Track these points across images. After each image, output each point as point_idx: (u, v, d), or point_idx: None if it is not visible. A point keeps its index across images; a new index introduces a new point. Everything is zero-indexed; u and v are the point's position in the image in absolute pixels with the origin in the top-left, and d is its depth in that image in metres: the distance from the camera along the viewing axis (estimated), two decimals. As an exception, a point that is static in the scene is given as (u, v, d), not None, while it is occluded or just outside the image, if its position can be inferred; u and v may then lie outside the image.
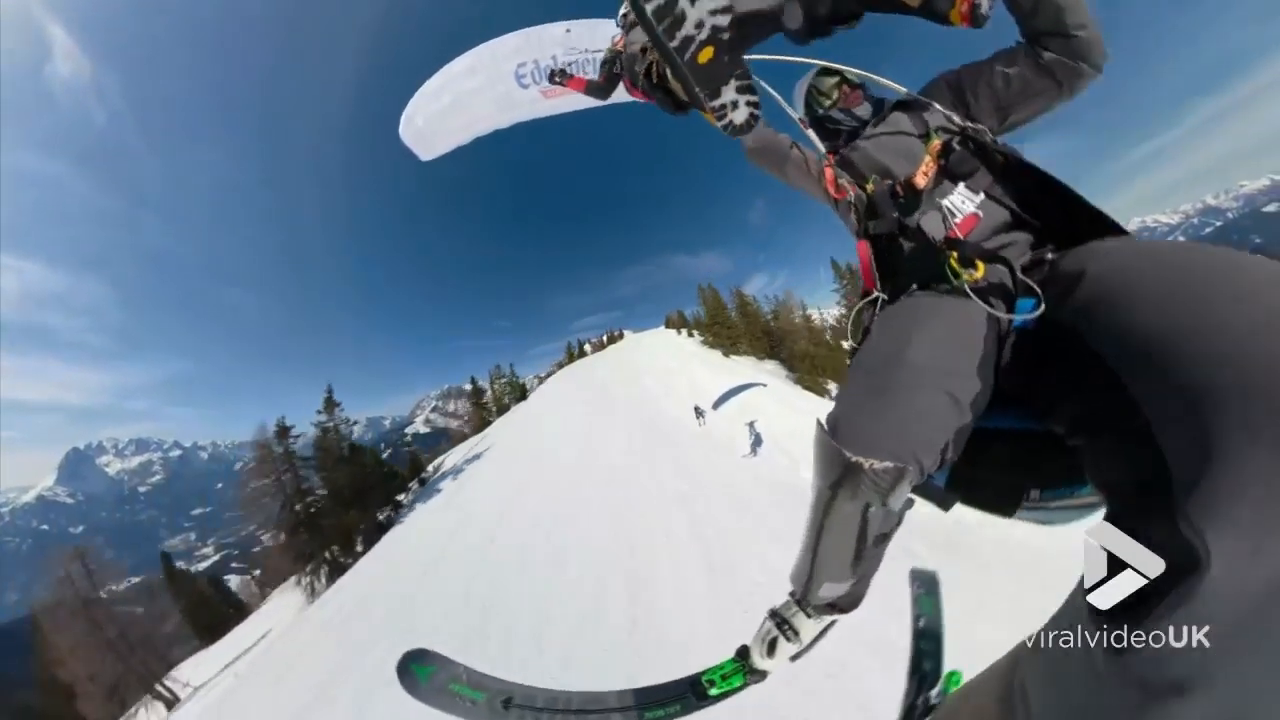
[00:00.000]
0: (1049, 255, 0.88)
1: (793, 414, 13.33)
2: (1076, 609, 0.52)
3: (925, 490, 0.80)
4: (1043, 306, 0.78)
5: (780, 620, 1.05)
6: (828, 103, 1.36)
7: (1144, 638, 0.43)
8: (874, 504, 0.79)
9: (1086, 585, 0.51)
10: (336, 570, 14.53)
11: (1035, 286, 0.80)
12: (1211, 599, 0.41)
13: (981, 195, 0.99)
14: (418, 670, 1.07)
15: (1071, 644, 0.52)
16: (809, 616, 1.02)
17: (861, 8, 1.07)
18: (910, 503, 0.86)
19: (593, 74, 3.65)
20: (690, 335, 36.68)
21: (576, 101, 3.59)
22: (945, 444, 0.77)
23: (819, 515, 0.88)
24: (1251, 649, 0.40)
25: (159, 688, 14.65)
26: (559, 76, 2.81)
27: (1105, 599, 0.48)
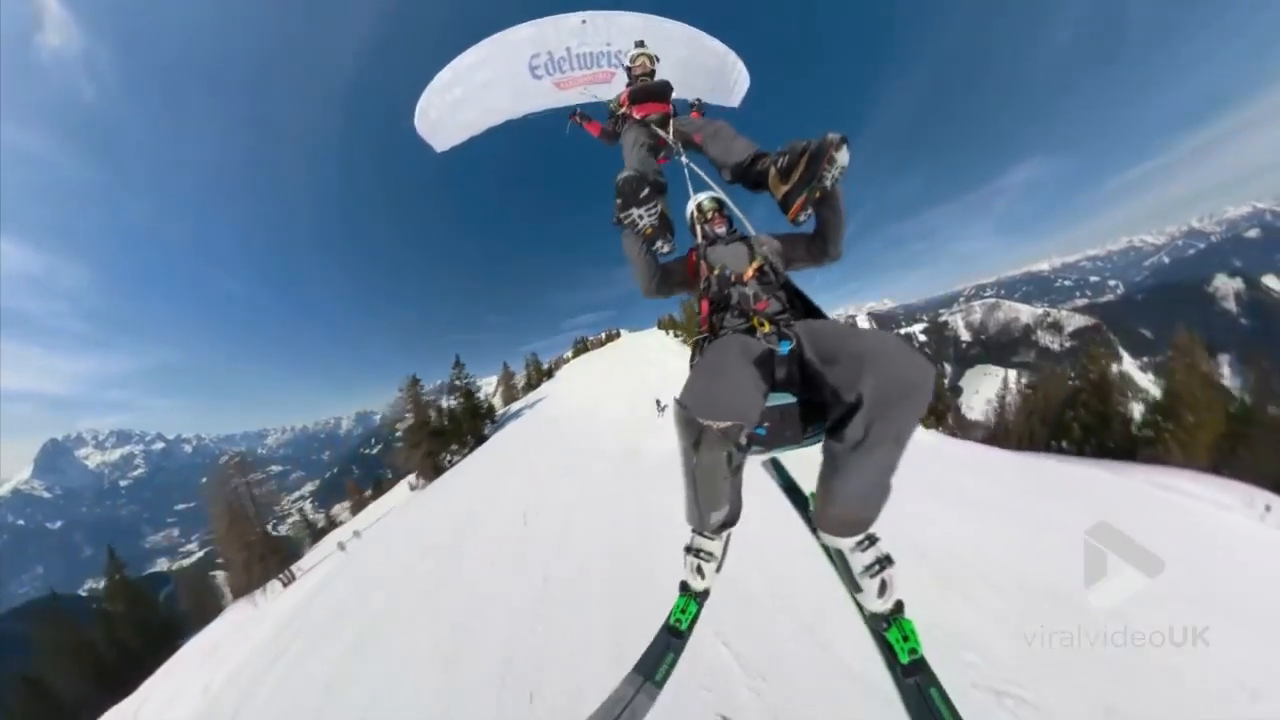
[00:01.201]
0: (793, 322, 1.74)
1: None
2: (826, 449, 1.37)
3: (753, 440, 1.45)
4: (793, 345, 1.58)
5: (695, 550, 1.57)
6: (701, 219, 2.29)
7: (842, 429, 1.25)
8: (725, 449, 1.26)
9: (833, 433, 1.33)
10: (435, 474, 23.48)
11: (789, 335, 1.63)
12: (854, 399, 1.22)
13: (771, 293, 1.89)
14: None
15: (829, 445, 1.34)
16: (712, 539, 1.56)
17: (761, 183, 1.94)
18: (750, 446, 1.42)
19: (608, 66, 3.63)
20: (676, 336, 45.41)
21: (590, 93, 3.56)
22: (759, 409, 1.39)
23: (690, 467, 1.35)
24: (877, 422, 1.20)
25: (283, 574, 19.37)
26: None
27: (836, 431, 1.31)
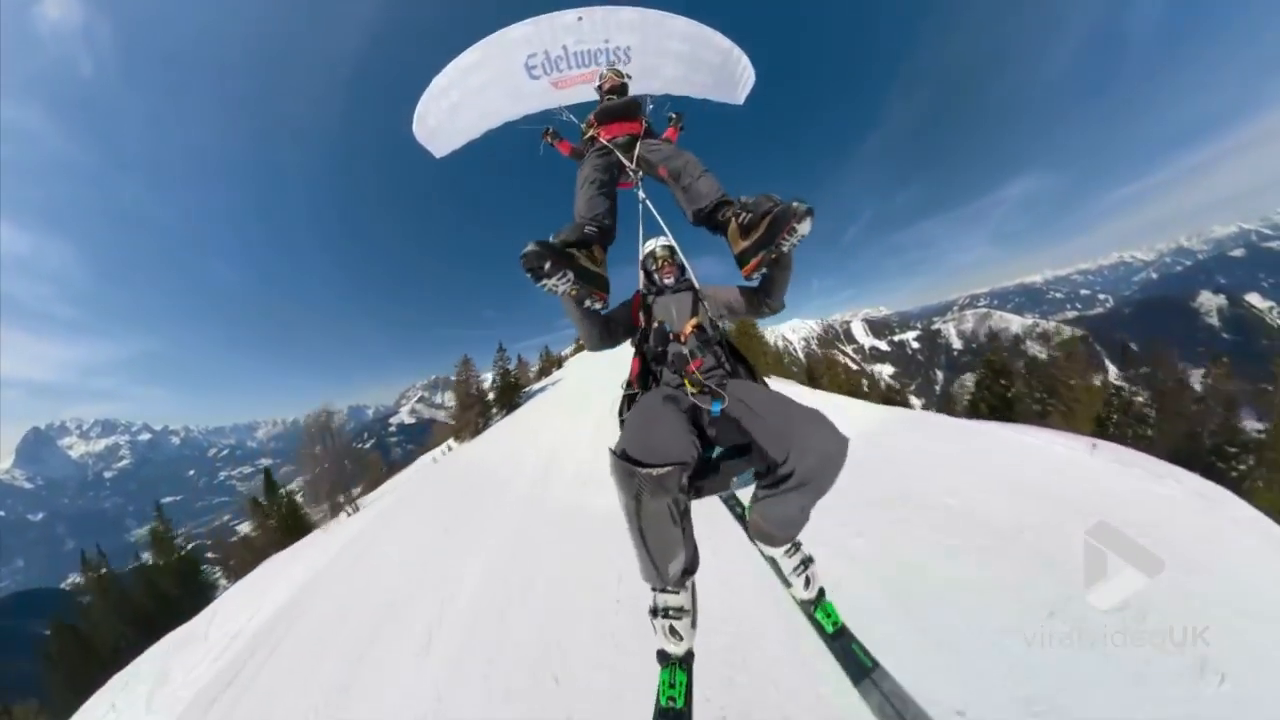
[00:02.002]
0: (726, 381, 1.78)
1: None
2: (756, 493, 1.60)
3: (692, 486, 1.60)
4: (724, 405, 1.60)
5: (662, 611, 1.46)
6: (653, 265, 2.27)
7: (777, 485, 1.43)
8: (667, 496, 1.28)
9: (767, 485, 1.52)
10: (473, 435, 28.45)
11: (721, 395, 1.60)
12: (787, 472, 1.40)
13: (708, 350, 1.94)
14: None
15: (763, 489, 1.53)
16: (677, 593, 1.48)
17: (721, 230, 1.99)
18: (695, 488, 1.67)
19: (604, 65, 3.59)
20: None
21: (589, 93, 3.52)
22: (695, 455, 1.40)
23: (635, 522, 1.32)
24: (806, 484, 1.40)
25: (347, 508, 22.55)
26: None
27: (767, 484, 1.50)
